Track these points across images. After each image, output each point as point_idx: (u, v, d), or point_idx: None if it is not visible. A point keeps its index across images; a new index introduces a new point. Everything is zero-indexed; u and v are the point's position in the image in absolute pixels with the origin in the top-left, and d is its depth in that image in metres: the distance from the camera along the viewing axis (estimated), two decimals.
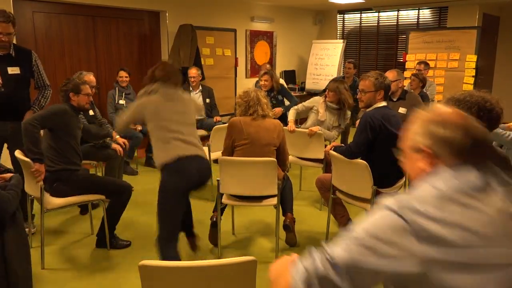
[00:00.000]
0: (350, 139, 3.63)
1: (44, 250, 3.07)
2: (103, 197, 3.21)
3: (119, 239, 3.39)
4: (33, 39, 5.36)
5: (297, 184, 4.75)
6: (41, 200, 2.96)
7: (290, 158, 4.25)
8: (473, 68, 6.89)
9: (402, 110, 4.19)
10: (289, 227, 3.33)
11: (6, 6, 4.87)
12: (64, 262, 3.15)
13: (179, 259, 2.66)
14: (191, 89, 5.74)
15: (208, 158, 3.51)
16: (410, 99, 4.29)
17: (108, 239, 3.29)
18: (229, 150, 3.25)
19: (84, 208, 3.97)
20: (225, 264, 1.59)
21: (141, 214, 3.96)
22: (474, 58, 6.90)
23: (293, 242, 3.40)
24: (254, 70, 8.09)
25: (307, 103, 4.59)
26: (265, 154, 3.13)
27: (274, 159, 3.07)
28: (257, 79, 6.05)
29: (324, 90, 4.45)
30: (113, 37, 6.16)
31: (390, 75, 4.07)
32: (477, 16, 7.53)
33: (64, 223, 3.82)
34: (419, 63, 5.86)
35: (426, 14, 8.24)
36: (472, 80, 6.89)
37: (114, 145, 4.14)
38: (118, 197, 3.23)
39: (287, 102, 5.21)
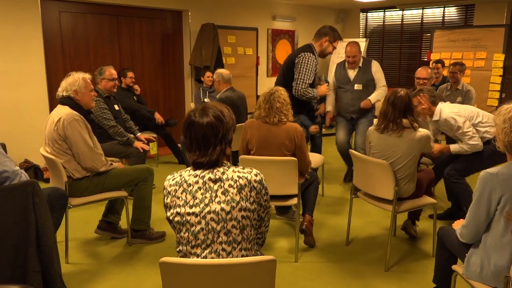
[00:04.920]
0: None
1: (68, 245, 3.14)
2: (125, 193, 3.26)
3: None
4: (60, 38, 5.48)
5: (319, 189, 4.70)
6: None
7: None
8: (501, 68, 6.70)
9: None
10: (305, 232, 3.24)
11: (34, 6, 5.00)
12: (87, 257, 3.21)
13: None
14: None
15: None
16: None
17: (129, 232, 3.35)
18: (244, 151, 3.25)
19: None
20: (244, 263, 1.59)
21: (162, 210, 3.99)
22: (501, 57, 6.71)
23: (312, 244, 3.37)
24: (275, 69, 8.07)
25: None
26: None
27: (295, 158, 3.05)
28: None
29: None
30: (136, 36, 6.24)
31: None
32: (505, 14, 7.32)
33: (88, 218, 3.90)
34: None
35: (452, 12, 8.06)
36: (499, 80, 6.70)
37: (136, 143, 4.20)
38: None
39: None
